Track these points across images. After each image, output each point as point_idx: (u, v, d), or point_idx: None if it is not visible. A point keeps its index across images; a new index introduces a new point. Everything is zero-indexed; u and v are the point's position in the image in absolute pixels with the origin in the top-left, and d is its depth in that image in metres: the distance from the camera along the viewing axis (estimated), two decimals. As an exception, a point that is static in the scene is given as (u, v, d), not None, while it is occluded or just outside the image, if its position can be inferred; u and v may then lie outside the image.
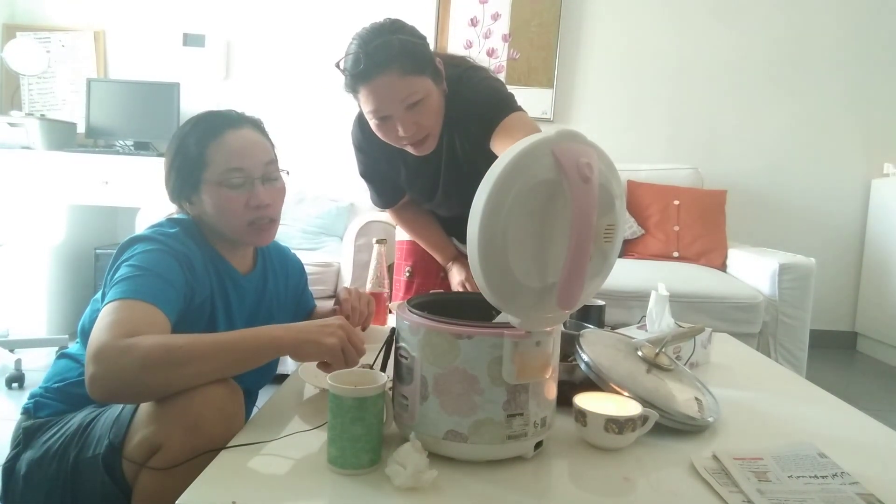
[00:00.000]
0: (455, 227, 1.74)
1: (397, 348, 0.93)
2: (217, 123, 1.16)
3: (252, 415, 1.08)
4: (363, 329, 1.28)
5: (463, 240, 1.72)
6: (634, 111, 3.58)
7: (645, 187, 3.21)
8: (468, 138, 1.46)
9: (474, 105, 1.41)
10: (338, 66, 1.33)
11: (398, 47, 1.28)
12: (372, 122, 1.38)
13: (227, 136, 1.14)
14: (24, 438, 1.08)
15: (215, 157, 1.13)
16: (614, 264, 0.92)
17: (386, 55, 1.28)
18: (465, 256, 1.70)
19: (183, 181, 1.16)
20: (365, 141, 1.51)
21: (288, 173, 1.23)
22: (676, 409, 1.02)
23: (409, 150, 1.41)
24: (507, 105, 1.42)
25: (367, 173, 1.64)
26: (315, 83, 3.43)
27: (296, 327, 1.00)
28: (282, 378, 1.25)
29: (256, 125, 1.21)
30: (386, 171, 1.61)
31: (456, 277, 1.71)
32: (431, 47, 1.42)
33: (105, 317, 0.94)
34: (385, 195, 1.69)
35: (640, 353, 1.14)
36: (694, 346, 1.38)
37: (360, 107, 1.40)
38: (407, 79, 1.30)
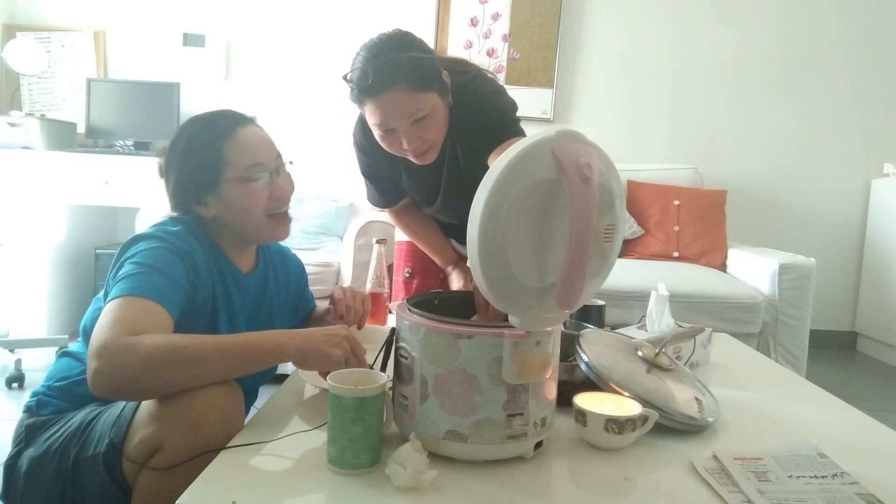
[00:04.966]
0: (454, 230, 1.74)
1: (397, 348, 0.93)
2: (226, 122, 1.17)
3: (252, 415, 1.08)
4: (359, 328, 1.28)
5: (462, 241, 1.72)
6: (634, 111, 3.58)
7: (645, 187, 3.21)
8: (470, 149, 1.47)
9: (481, 119, 1.43)
10: (345, 78, 1.33)
11: (407, 64, 1.28)
12: (376, 133, 1.38)
13: (240, 133, 1.16)
14: (25, 436, 1.08)
15: (233, 156, 1.14)
16: (614, 264, 0.92)
17: (394, 72, 1.27)
18: (464, 259, 1.71)
19: (197, 183, 1.16)
20: (367, 142, 1.52)
21: (292, 163, 1.25)
22: (676, 409, 1.02)
23: (412, 159, 1.42)
24: (512, 128, 1.45)
25: (369, 173, 1.64)
26: (315, 83, 3.43)
27: (302, 335, 0.99)
28: (282, 378, 1.25)
29: (256, 122, 1.23)
30: (387, 173, 1.61)
31: (455, 284, 1.71)
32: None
33: (108, 313, 0.94)
34: (386, 195, 1.69)
35: (640, 353, 1.14)
36: (694, 346, 1.38)
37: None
38: (414, 95, 1.30)
